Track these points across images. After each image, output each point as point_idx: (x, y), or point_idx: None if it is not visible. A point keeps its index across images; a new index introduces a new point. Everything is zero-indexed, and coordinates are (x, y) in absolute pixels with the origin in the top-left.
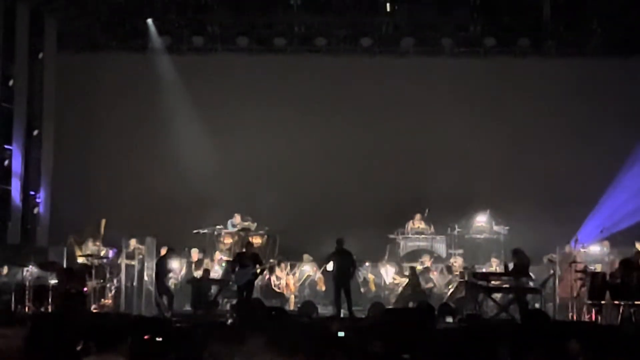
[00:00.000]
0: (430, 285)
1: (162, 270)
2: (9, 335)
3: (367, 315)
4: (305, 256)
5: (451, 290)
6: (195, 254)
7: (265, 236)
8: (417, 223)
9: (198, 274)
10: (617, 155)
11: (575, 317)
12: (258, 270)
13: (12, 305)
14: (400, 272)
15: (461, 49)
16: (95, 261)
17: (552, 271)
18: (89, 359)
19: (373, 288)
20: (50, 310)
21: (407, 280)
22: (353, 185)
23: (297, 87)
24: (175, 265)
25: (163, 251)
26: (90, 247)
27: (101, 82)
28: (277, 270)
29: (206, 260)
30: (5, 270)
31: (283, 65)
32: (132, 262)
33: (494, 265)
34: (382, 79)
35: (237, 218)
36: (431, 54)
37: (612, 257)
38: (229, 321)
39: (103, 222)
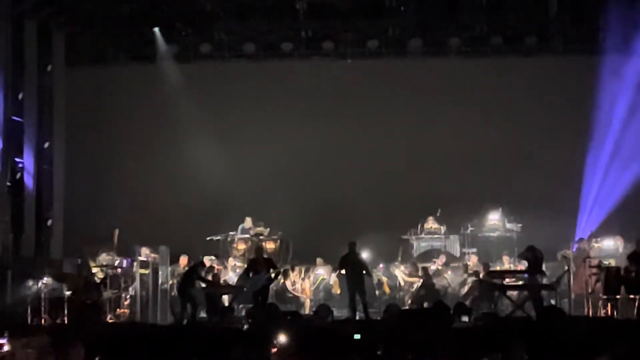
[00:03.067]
0: (444, 284)
1: (190, 280)
2: (33, 345)
3: (383, 317)
4: (319, 260)
5: (466, 289)
6: (207, 261)
7: (279, 241)
8: (430, 223)
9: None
10: (629, 150)
11: (590, 313)
12: (272, 275)
13: (29, 317)
14: (412, 273)
15: (468, 49)
16: (110, 271)
17: (566, 267)
18: None
19: (387, 290)
20: (66, 321)
21: (420, 280)
22: (364, 188)
23: (306, 91)
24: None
25: (183, 260)
26: (104, 257)
27: (110, 93)
28: (292, 275)
29: (219, 267)
30: (21, 282)
31: (291, 70)
32: (146, 271)
33: (506, 263)
34: (390, 80)
35: (247, 222)
36: (438, 54)
37: (625, 251)
38: (245, 327)
39: (116, 232)
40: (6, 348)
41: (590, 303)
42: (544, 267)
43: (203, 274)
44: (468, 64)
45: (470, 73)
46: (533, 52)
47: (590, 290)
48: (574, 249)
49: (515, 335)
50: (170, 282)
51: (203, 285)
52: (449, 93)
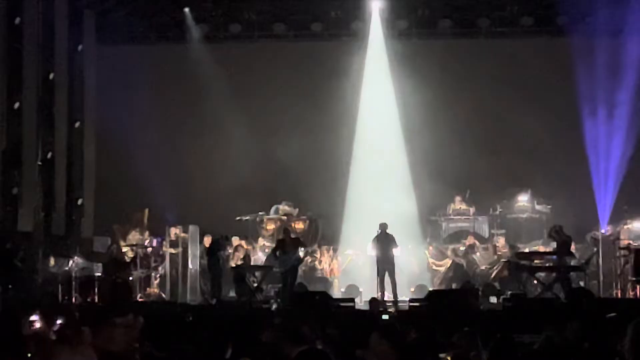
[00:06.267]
0: (473, 266)
1: (213, 257)
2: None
3: (411, 297)
4: (348, 240)
5: (495, 271)
6: (235, 241)
7: (308, 221)
8: (458, 204)
9: (239, 261)
10: None
11: (619, 294)
12: (301, 254)
13: (59, 296)
14: (439, 255)
15: (498, 29)
16: (140, 250)
17: (595, 249)
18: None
19: (416, 270)
20: (96, 300)
21: (448, 262)
22: (392, 168)
23: (335, 71)
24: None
25: (207, 239)
26: (135, 236)
27: (140, 72)
28: (320, 255)
29: (248, 247)
30: (52, 261)
31: (320, 50)
32: (176, 251)
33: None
34: (419, 61)
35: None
36: (468, 35)
37: None
38: (274, 307)
39: (146, 211)
40: (37, 325)
41: (619, 284)
42: (573, 249)
43: (230, 250)
44: (498, 44)
45: (500, 53)
46: (564, 32)
47: (619, 272)
48: (604, 231)
49: (543, 316)
50: (199, 261)
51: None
52: (478, 74)
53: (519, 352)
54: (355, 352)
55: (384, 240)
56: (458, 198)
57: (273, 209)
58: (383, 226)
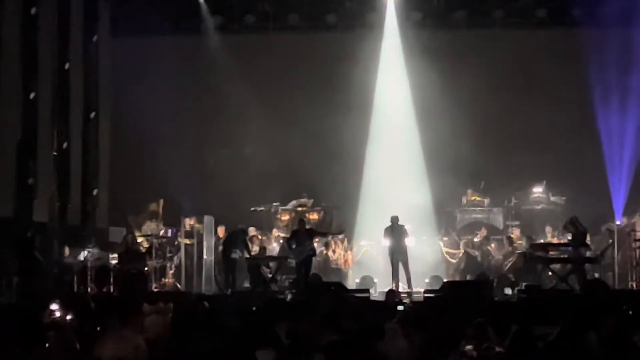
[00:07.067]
0: (487, 257)
1: (228, 251)
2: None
3: (426, 289)
4: (363, 231)
5: (510, 262)
6: (250, 232)
7: (322, 212)
8: (472, 196)
9: (255, 251)
10: None
11: (635, 286)
12: (316, 245)
13: (75, 286)
14: (453, 246)
15: (513, 21)
16: (155, 241)
17: (610, 240)
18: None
19: (431, 261)
20: (112, 290)
21: (462, 253)
22: (407, 160)
23: (350, 63)
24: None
25: (220, 230)
26: (150, 226)
27: (155, 63)
28: (334, 246)
29: (263, 238)
30: (67, 251)
31: (335, 41)
32: (191, 241)
33: (549, 236)
34: (434, 52)
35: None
36: (483, 26)
37: None
38: (289, 297)
39: (161, 202)
40: (58, 314)
41: (634, 276)
42: (588, 240)
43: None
44: (513, 36)
45: (514, 45)
46: (579, 25)
47: (634, 264)
48: (619, 222)
49: (558, 307)
50: (214, 252)
51: (242, 253)
52: (492, 65)
53: (539, 343)
54: (370, 343)
55: (396, 231)
56: (470, 190)
57: (291, 203)
58: (394, 219)
